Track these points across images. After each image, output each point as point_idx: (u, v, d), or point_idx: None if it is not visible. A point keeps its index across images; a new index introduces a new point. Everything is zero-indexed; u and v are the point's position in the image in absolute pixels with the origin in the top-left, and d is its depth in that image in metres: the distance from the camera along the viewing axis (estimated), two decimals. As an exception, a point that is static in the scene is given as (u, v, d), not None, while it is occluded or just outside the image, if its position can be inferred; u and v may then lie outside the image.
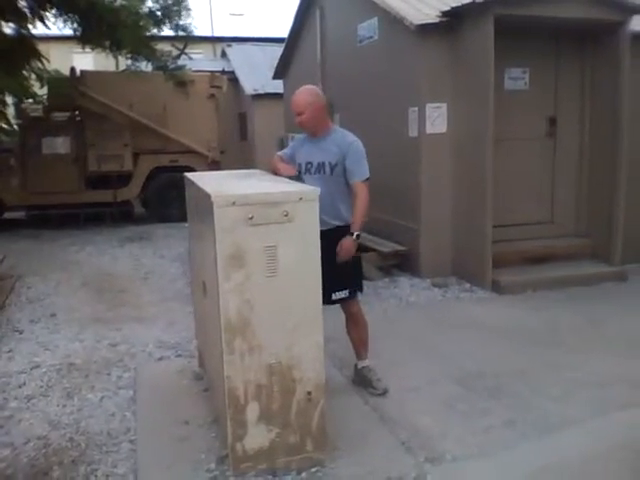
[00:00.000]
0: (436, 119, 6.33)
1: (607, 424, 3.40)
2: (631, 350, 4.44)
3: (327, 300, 3.30)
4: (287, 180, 3.45)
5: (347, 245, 3.53)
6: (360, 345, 3.89)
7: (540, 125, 6.65)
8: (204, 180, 3.48)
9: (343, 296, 3.66)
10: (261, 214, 2.72)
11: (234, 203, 2.69)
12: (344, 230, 3.59)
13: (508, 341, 4.67)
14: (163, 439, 3.27)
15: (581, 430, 3.33)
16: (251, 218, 2.71)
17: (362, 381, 3.88)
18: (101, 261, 8.17)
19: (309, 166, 3.70)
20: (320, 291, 2.89)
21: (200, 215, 3.22)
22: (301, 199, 2.79)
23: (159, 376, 4.18)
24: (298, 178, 3.61)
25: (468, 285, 6.14)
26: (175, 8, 10.13)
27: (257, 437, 2.86)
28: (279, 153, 3.96)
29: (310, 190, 2.89)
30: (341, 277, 3.57)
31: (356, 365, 3.94)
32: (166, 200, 10.99)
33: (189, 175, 3.90)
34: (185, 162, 11.06)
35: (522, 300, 5.71)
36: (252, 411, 2.83)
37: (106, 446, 3.26)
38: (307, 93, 3.65)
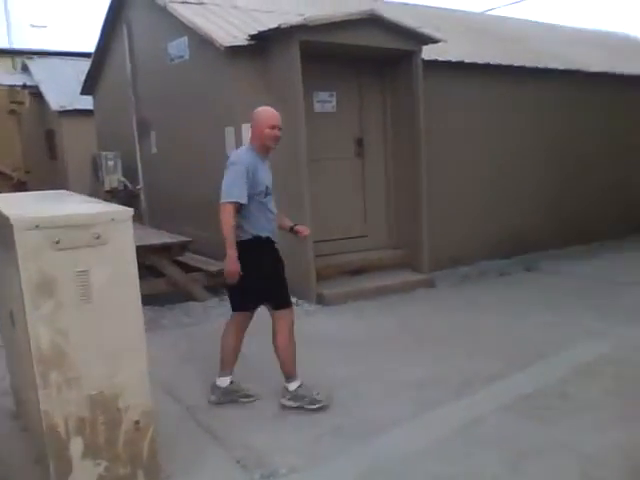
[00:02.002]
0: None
1: (425, 422, 3.62)
2: (438, 349, 4.82)
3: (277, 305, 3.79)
4: (97, 200, 3.27)
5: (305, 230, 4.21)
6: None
7: (349, 146, 7.04)
8: (7, 202, 3.18)
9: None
10: (69, 237, 2.54)
11: (37, 226, 2.48)
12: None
13: (333, 350, 4.82)
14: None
15: (402, 430, 3.51)
16: (58, 242, 2.51)
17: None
18: None
19: (268, 189, 3.76)
20: (141, 314, 2.76)
21: (3, 240, 2.92)
22: (113, 220, 2.65)
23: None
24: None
25: (295, 299, 6.23)
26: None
27: (84, 473, 2.66)
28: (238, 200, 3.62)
29: (122, 210, 2.75)
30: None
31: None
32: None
33: (-10, 197, 3.54)
34: (-13, 184, 10.04)
35: (344, 310, 5.96)
36: (76, 446, 2.63)
37: None
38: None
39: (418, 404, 3.81)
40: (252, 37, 6.25)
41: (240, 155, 3.74)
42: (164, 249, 6.33)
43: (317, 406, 3.77)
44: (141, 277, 2.84)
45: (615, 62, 10.05)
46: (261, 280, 3.71)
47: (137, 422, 2.76)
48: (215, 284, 6.58)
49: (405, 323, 5.55)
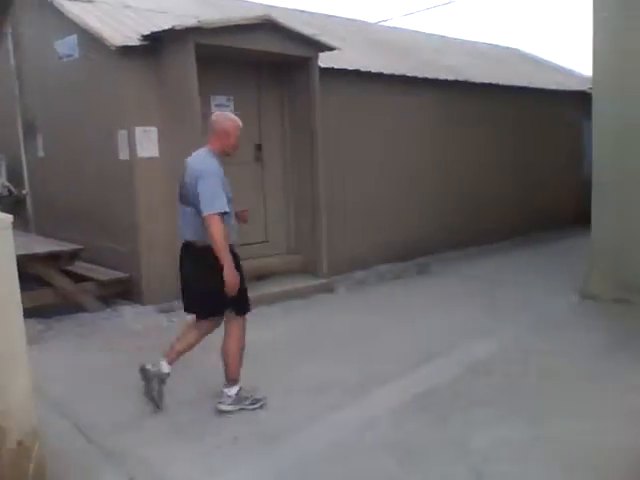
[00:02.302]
0: (147, 143, 6.22)
1: (324, 426, 3.65)
2: (339, 352, 4.89)
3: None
4: None
5: None
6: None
7: (248, 150, 6.98)
8: None
9: None
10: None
11: None
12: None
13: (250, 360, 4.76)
14: None
15: (301, 435, 3.52)
16: None
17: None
18: None
19: (229, 197, 3.72)
20: (22, 328, 2.60)
21: None
22: (-11, 228, 2.48)
23: None
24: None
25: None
26: None
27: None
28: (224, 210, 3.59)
29: (1, 217, 2.59)
30: None
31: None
32: None
33: None
34: None
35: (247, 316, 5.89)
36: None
37: None
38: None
39: (317, 408, 3.85)
40: (145, 38, 6.07)
41: (210, 163, 3.68)
42: (51, 258, 5.99)
43: (259, 405, 3.85)
44: (27, 288, 2.68)
45: (504, 74, 10.67)
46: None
47: (20, 442, 2.60)
48: (107, 294, 6.34)
49: (305, 328, 5.60)
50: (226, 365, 3.80)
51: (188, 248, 3.78)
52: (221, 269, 3.53)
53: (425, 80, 8.52)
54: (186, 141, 6.00)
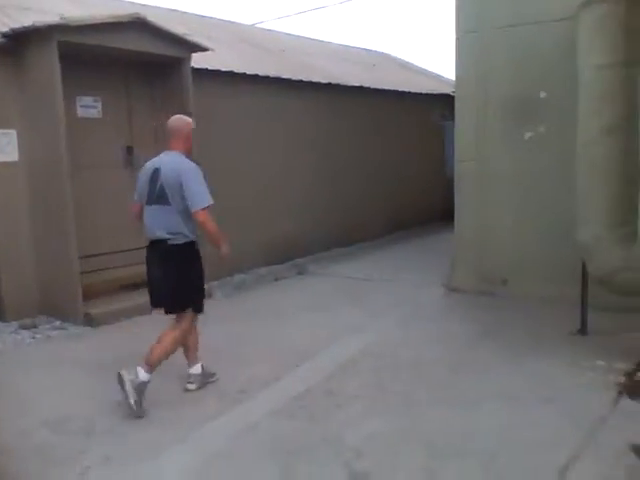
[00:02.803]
0: (5, 146, 5.84)
1: (201, 436, 3.62)
2: (215, 360, 4.75)
3: None
4: None
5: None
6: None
7: (118, 153, 6.74)
8: None
9: None
10: None
11: None
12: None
13: (102, 374, 4.55)
14: None
15: (177, 449, 3.45)
16: None
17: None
18: None
19: None
20: None
21: None
22: None
23: None
24: None
25: (59, 322, 5.83)
26: None
27: None
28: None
29: None
30: None
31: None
32: None
33: None
34: None
35: (117, 329, 5.70)
36: None
37: None
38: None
39: (194, 419, 3.79)
40: (4, 36, 5.71)
41: (189, 162, 3.96)
42: None
43: (215, 378, 4.32)
44: None
45: (376, 78, 11.05)
46: (201, 278, 4.14)
47: None
48: None
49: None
50: (156, 349, 3.92)
51: (156, 246, 3.94)
52: (190, 263, 3.99)
53: (299, 82, 8.65)
54: (49, 144, 5.72)
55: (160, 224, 3.89)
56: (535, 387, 4.12)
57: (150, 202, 3.95)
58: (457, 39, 6.67)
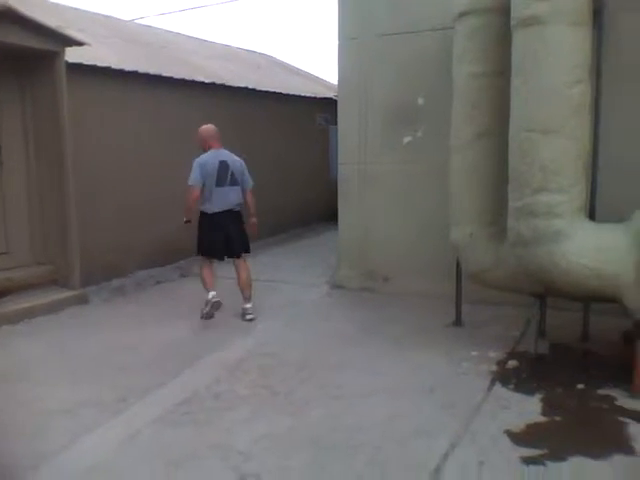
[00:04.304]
0: None
1: (80, 449, 3.44)
2: (94, 370, 4.62)
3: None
4: None
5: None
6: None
7: (-18, 152, 6.26)
8: None
9: None
10: None
11: None
12: None
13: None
14: None
15: (55, 462, 3.27)
16: None
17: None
18: None
19: None
20: None
21: None
22: None
23: None
24: None
25: None
26: None
27: None
28: None
29: None
30: None
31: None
32: None
33: None
34: None
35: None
36: None
37: None
38: (202, 127, 5.94)
39: (72, 431, 3.59)
40: None
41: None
42: None
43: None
44: None
45: (259, 79, 11.02)
46: None
47: None
48: None
49: (55, 346, 5.15)
50: (246, 280, 5.87)
51: (228, 214, 5.70)
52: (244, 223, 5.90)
53: (182, 81, 8.45)
54: None
55: (233, 199, 5.73)
56: (415, 379, 4.28)
57: (223, 184, 5.65)
58: (339, 45, 6.81)
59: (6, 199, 6.46)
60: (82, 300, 6.41)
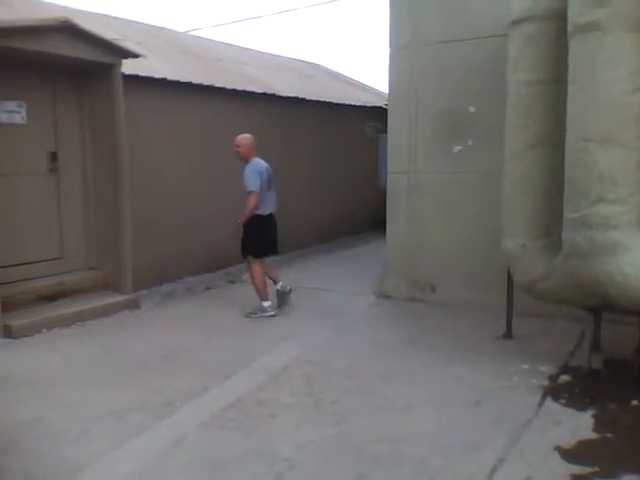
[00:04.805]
0: None
1: (125, 452, 3.48)
2: (141, 373, 4.69)
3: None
4: None
5: (233, 225, 6.23)
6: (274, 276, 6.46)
7: (42, 160, 6.46)
8: None
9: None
10: None
11: None
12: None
13: (21, 389, 4.35)
14: None
15: (100, 465, 3.32)
16: None
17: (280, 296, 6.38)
18: None
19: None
20: None
21: None
22: None
23: None
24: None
25: (-25, 335, 5.52)
26: None
27: None
28: None
29: None
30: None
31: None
32: None
33: None
34: None
35: (38, 342, 5.43)
36: None
37: None
38: (243, 136, 6.37)
39: (119, 434, 3.65)
40: None
41: None
42: None
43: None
44: None
45: (310, 89, 11.10)
46: None
47: None
48: None
49: (105, 349, 5.26)
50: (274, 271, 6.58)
51: (272, 216, 6.33)
52: None
53: (234, 92, 8.58)
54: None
55: (275, 202, 6.37)
56: (463, 391, 4.20)
57: (270, 188, 6.26)
58: (390, 54, 6.79)
59: (62, 206, 6.67)
60: (133, 304, 6.56)
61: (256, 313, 6.16)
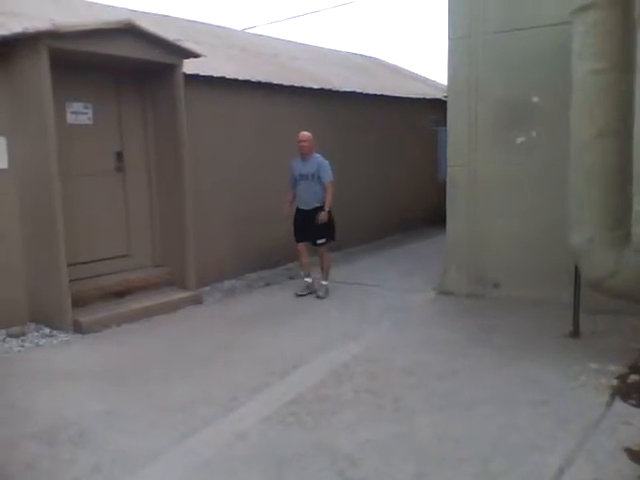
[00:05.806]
0: (-6, 153, 5.80)
1: (190, 446, 3.57)
2: (205, 367, 4.80)
3: (314, 243, 6.91)
4: None
5: (324, 215, 6.73)
6: (324, 270, 7.00)
7: (108, 160, 6.70)
8: None
9: (323, 242, 6.91)
10: None
11: None
12: (319, 208, 6.79)
13: (91, 382, 4.53)
14: None
15: (166, 458, 3.41)
16: None
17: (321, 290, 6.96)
18: None
19: (300, 176, 6.89)
20: None
21: None
22: None
23: None
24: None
25: (48, 330, 5.76)
26: None
27: None
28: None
29: None
30: (320, 231, 6.83)
31: (320, 282, 6.99)
32: None
33: None
34: None
35: (106, 337, 5.63)
36: None
37: None
38: (306, 133, 6.92)
39: (184, 428, 3.74)
40: (-5, 42, 5.68)
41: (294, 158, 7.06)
42: None
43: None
44: None
45: (367, 82, 11.04)
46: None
47: None
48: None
49: (171, 344, 5.42)
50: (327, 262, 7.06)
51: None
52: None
53: (291, 88, 8.63)
54: (39, 151, 5.67)
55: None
56: (528, 391, 4.10)
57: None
58: (449, 44, 6.67)
59: (129, 204, 6.90)
60: (197, 300, 6.72)
61: (327, 292, 6.92)
